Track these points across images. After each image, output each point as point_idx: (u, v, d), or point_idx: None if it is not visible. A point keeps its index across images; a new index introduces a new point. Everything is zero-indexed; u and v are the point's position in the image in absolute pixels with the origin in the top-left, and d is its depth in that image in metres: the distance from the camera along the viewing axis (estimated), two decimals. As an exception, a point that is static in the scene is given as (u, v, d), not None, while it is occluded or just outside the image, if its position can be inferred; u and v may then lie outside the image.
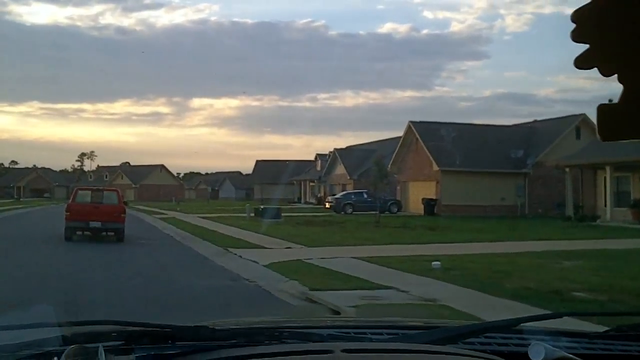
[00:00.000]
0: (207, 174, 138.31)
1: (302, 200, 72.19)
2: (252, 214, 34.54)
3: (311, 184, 71.79)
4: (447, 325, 1.99)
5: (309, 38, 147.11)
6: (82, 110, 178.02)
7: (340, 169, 62.42)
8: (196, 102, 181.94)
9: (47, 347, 1.44)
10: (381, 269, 13.66)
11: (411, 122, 43.97)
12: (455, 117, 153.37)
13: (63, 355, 1.27)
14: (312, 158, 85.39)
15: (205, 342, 1.51)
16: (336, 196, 43.05)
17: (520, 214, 40.04)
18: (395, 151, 46.05)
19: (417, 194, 43.09)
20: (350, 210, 41.66)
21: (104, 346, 1.35)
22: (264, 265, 14.75)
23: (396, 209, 41.91)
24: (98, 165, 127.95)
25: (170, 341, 1.51)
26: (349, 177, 59.37)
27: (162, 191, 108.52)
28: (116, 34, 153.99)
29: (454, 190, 39.92)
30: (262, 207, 33.36)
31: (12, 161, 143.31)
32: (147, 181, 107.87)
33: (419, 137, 42.24)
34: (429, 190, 41.14)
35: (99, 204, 21.42)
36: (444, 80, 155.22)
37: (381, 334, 1.81)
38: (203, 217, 36.59)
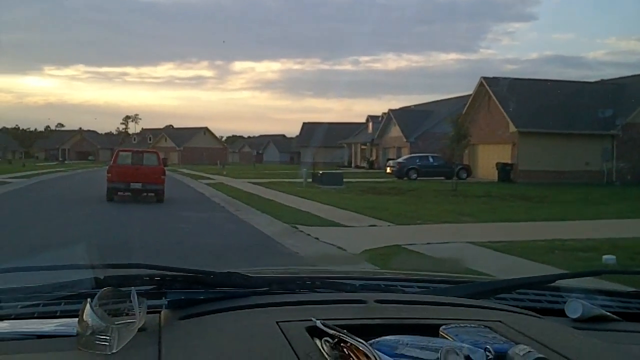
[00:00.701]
0: (249, 137, 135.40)
1: (353, 164, 67.91)
2: (309, 180, 30.47)
3: (362, 147, 67.36)
4: (479, 280, 1.90)
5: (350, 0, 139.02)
6: (126, 74, 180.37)
7: (395, 131, 57.84)
8: (238, 65, 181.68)
9: (81, 289, 1.42)
10: (535, 266, 9.41)
11: (484, 78, 39.05)
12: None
13: (96, 297, 1.24)
14: (358, 120, 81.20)
15: (238, 288, 1.47)
16: (399, 160, 38.66)
17: (607, 180, 35.19)
18: (464, 111, 41.29)
19: (488, 158, 38.42)
20: (414, 176, 37.30)
21: (136, 290, 1.31)
22: (357, 254, 10.70)
23: (465, 175, 37.39)
24: (142, 128, 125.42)
25: (202, 286, 1.47)
26: (405, 140, 54.83)
27: (205, 154, 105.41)
28: None
29: (533, 153, 35.17)
30: (320, 172, 29.24)
31: (59, 124, 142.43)
32: (190, 144, 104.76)
33: (492, 95, 37.39)
34: (502, 154, 36.46)
35: (139, 165, 21.46)
36: (490, 42, 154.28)
37: (412, 287, 1.77)
38: (253, 183, 32.69)
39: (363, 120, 76.82)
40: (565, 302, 1.63)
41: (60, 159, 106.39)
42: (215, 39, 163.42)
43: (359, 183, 31.99)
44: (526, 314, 1.50)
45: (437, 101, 60.84)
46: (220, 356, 1.14)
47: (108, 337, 1.15)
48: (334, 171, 31.55)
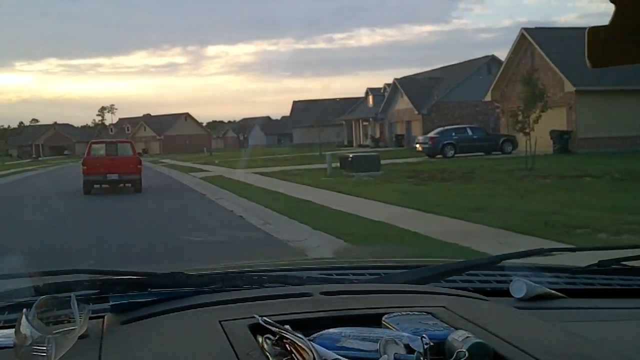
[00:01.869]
0: (230, 122, 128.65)
1: (354, 143, 60.93)
2: (337, 165, 23.51)
3: (364, 123, 60.37)
4: (430, 264, 1.83)
5: None
6: (99, 65, 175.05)
7: (402, 103, 50.91)
8: (211, 50, 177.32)
9: (18, 299, 1.39)
10: None
11: (525, 29, 32.18)
12: (475, 50, 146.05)
13: (33, 306, 1.21)
14: (349, 96, 74.10)
15: (182, 288, 1.44)
16: (431, 135, 31.70)
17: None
18: (499, 72, 34.55)
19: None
20: (451, 153, 30.53)
21: (76, 295, 1.28)
22: None
23: (511, 148, 30.80)
24: (119, 119, 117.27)
25: (145, 288, 1.42)
26: (416, 112, 47.96)
27: (188, 142, 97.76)
28: None
29: (594, 117, 28.60)
30: (350, 156, 22.27)
31: (33, 119, 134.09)
32: (171, 132, 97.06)
33: (538, 48, 30.63)
34: (554, 119, 29.76)
35: (114, 156, 20.91)
36: (462, 12, 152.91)
37: (363, 274, 1.74)
38: (262, 174, 25.72)
39: (354, 95, 70.03)
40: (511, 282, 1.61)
41: (34, 155, 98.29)
42: (187, 24, 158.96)
43: (393, 166, 25.19)
44: (471, 297, 1.47)
45: (446, 67, 53.98)
46: (159, 359, 1.11)
47: (45, 348, 1.10)
48: (367, 153, 24.64)
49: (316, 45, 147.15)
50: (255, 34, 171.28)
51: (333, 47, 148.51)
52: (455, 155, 30.32)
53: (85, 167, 20.59)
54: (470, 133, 31.63)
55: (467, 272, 1.73)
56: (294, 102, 76.97)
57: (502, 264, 1.76)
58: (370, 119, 55.45)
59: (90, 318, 1.27)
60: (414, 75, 55.11)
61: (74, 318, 1.23)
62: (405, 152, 36.17)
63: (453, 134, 31.20)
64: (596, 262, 1.79)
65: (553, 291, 1.61)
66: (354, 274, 1.75)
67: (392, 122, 53.47)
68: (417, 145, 31.69)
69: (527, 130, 21.09)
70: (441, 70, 53.29)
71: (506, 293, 1.58)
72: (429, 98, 48.33)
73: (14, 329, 1.19)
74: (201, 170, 32.29)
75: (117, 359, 1.14)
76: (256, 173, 26.56)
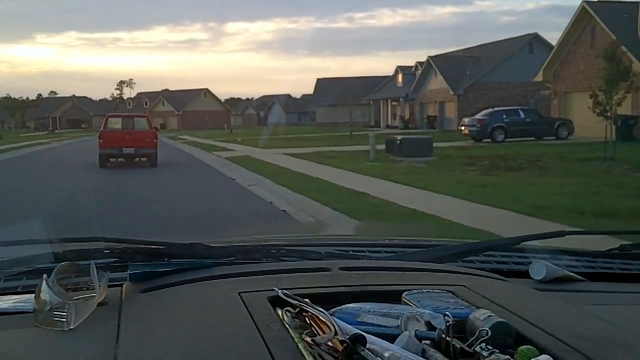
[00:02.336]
0: (248, 99, 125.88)
1: (382, 124, 57.86)
2: (382, 148, 20.66)
3: (393, 103, 57.23)
4: (447, 244, 1.83)
5: None
6: (119, 39, 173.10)
7: (436, 83, 47.75)
8: (231, 26, 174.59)
9: (38, 264, 1.39)
10: None
11: (586, 2, 28.93)
12: (498, 32, 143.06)
13: (53, 272, 1.20)
14: (370, 75, 70.86)
15: (201, 259, 1.42)
16: (478, 116, 28.59)
17: None
18: (553, 50, 31.37)
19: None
20: (501, 137, 27.53)
21: (96, 263, 1.28)
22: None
23: (566, 133, 27.78)
24: (138, 93, 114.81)
25: (164, 258, 1.41)
26: (452, 93, 44.83)
27: (207, 118, 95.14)
28: None
29: (665, 101, 25.49)
30: (399, 138, 19.34)
31: (51, 92, 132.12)
32: (190, 107, 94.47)
33: (602, 23, 27.45)
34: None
35: (130, 130, 20.79)
36: None
37: (379, 252, 1.74)
38: (293, 156, 22.95)
39: (379, 74, 66.87)
40: (530, 264, 1.58)
41: (50, 128, 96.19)
42: (208, 0, 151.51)
43: (441, 150, 22.27)
44: (491, 277, 1.47)
45: (480, 46, 50.65)
46: (180, 328, 1.10)
47: (65, 313, 1.10)
48: (418, 136, 21.72)
49: (337, 24, 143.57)
50: (275, 12, 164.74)
51: (353, 26, 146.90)
52: (506, 139, 27.35)
53: (101, 141, 20.33)
54: (522, 116, 28.50)
55: (484, 253, 1.71)
56: (318, 80, 73.80)
57: (521, 246, 1.73)
58: (400, 99, 52.26)
59: (109, 286, 1.25)
60: (449, 53, 51.79)
61: (93, 285, 1.21)
62: (442, 135, 33.13)
63: (504, 116, 28.09)
64: (617, 246, 1.79)
65: (572, 274, 1.57)
66: (370, 251, 1.74)
67: (424, 102, 50.35)
68: (462, 128, 28.64)
69: (609, 114, 18.10)
70: (478, 48, 49.94)
71: (524, 274, 1.56)
72: (465, 78, 45.15)
73: (33, 294, 1.19)
74: (225, 149, 29.55)
75: (137, 327, 1.12)
76: (287, 154, 23.77)
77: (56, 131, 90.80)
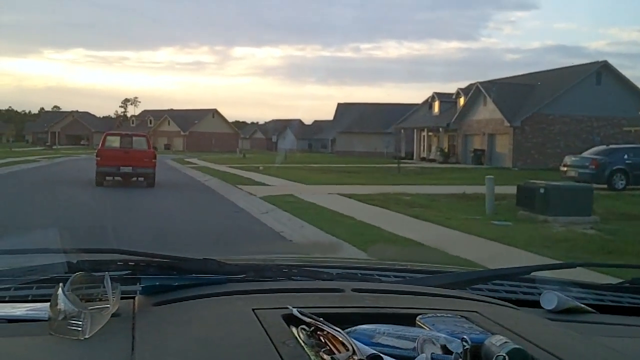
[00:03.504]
0: (253, 123, 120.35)
1: (415, 156, 51.14)
2: (474, 190, 13.78)
3: (429, 133, 50.57)
4: (456, 270, 1.84)
5: None
6: (126, 58, 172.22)
7: (486, 112, 41.11)
8: (238, 51, 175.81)
9: (53, 273, 1.38)
10: None
11: None
12: (502, 69, 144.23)
13: (68, 281, 1.20)
14: (393, 102, 64.33)
15: (213, 275, 1.42)
16: (592, 156, 21.70)
17: None
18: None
19: None
20: (622, 184, 20.77)
21: (110, 275, 1.27)
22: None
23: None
24: (143, 110, 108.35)
25: (177, 272, 1.42)
26: (507, 124, 38.19)
27: (214, 140, 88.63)
28: None
29: None
30: (542, 186, 12.44)
31: (55, 106, 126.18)
32: (197, 128, 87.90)
33: None
34: None
35: (128, 149, 20.33)
36: (491, 31, 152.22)
37: (388, 276, 1.73)
38: (358, 199, 16.00)
39: (403, 102, 60.47)
40: (540, 294, 1.58)
41: (48, 143, 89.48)
42: (216, 23, 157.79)
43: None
44: (502, 305, 1.46)
45: (537, 73, 44.23)
46: (195, 342, 1.09)
47: (80, 322, 1.10)
48: (569, 184, 14.88)
49: (343, 53, 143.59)
50: (282, 38, 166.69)
51: (359, 56, 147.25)
52: (627, 186, 20.58)
53: (99, 159, 19.72)
54: (647, 156, 21.65)
55: (493, 282, 1.70)
56: (339, 105, 67.19)
57: (531, 276, 1.72)
58: (441, 129, 45.59)
59: (121, 298, 1.25)
60: (502, 79, 45.31)
61: (106, 296, 1.21)
62: (507, 174, 26.47)
63: (625, 156, 21.30)
64: (629, 279, 1.78)
65: (583, 305, 1.57)
66: (379, 275, 1.72)
67: (469, 134, 43.69)
68: (565, 169, 21.87)
69: None
70: (535, 75, 43.49)
71: (534, 304, 1.55)
72: (523, 107, 38.59)
73: (45, 303, 1.19)
74: (251, 181, 22.66)
75: (151, 339, 1.11)
76: (345, 195, 16.94)
77: (54, 147, 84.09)
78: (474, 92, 42.17)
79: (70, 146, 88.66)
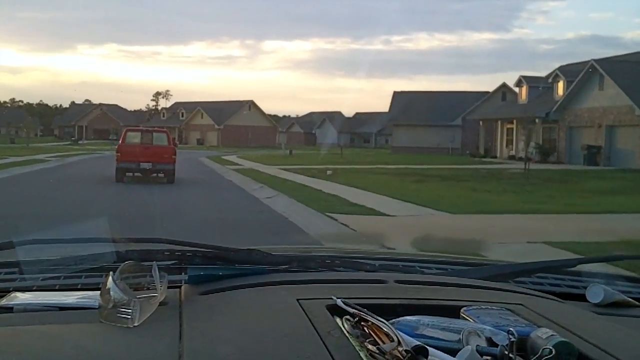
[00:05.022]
0: (284, 116, 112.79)
1: (498, 154, 42.11)
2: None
3: (508, 126, 41.54)
4: (498, 263, 1.79)
5: None
6: (158, 53, 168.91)
7: (603, 98, 31.97)
8: (268, 44, 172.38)
9: (102, 262, 1.38)
10: None
11: None
12: (536, 60, 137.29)
13: (117, 270, 1.20)
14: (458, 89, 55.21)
15: (258, 265, 1.42)
16: None
17: None
18: None
19: None
20: None
21: (157, 264, 1.26)
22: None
23: None
24: (175, 102, 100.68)
25: (222, 262, 1.41)
26: (637, 113, 29.22)
27: (251, 134, 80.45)
28: None
29: None
30: None
31: (86, 100, 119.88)
32: (232, 121, 79.75)
33: None
34: None
35: (148, 144, 19.90)
36: (524, 21, 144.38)
37: (430, 268, 1.69)
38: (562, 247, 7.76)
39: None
40: (585, 287, 1.53)
41: (73, 138, 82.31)
42: (247, 17, 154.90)
43: None
44: (547, 298, 1.43)
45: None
46: (242, 331, 1.10)
47: (130, 310, 1.11)
48: None
49: (373, 46, 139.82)
50: (312, 31, 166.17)
51: (390, 48, 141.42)
52: None
53: (118, 154, 19.43)
54: None
55: (537, 275, 1.66)
56: (395, 93, 58.30)
57: (576, 269, 1.68)
58: (538, 120, 36.53)
59: (167, 287, 1.25)
60: (622, 56, 36.18)
61: (154, 285, 1.21)
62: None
63: None
64: None
65: (630, 299, 1.51)
66: (420, 267, 1.69)
67: (576, 125, 34.58)
68: None
69: None
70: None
71: (580, 297, 1.51)
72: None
73: (95, 291, 1.19)
74: (343, 201, 14.06)
75: (199, 327, 1.11)
76: (557, 245, 8.41)
77: (80, 141, 76.91)
78: (585, 74, 32.98)
79: (98, 140, 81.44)
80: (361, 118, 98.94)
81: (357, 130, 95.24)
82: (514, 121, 39.16)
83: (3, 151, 37.93)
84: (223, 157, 41.00)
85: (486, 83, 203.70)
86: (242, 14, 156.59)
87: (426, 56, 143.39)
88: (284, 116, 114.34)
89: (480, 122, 42.97)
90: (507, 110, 41.11)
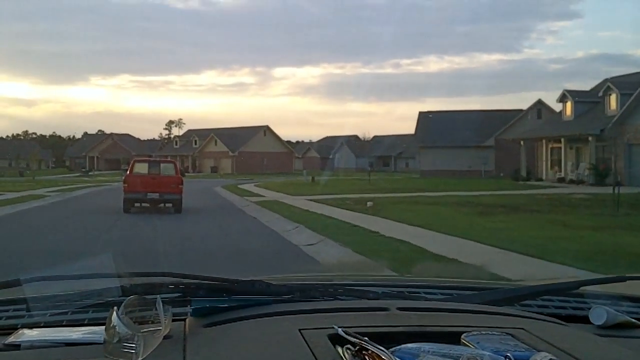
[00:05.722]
0: (298, 142, 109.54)
1: (544, 175, 38.08)
2: None
3: (553, 145, 37.55)
4: (503, 286, 1.79)
5: (391, 2, 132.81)
6: (170, 82, 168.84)
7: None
8: (279, 71, 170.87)
9: (107, 297, 1.38)
10: None
11: None
12: (545, 80, 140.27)
13: (122, 305, 1.21)
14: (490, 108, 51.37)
15: (261, 296, 1.42)
16: None
17: None
18: None
19: None
20: None
21: (161, 297, 1.27)
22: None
23: None
24: (188, 130, 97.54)
25: (225, 294, 1.42)
26: None
27: (266, 160, 76.97)
28: (200, 5, 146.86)
29: None
30: None
31: (99, 130, 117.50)
32: (247, 147, 76.33)
33: None
34: None
35: (155, 175, 19.90)
36: (534, 42, 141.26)
37: (435, 293, 1.68)
38: None
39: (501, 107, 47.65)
40: (589, 309, 1.52)
41: (84, 169, 79.12)
42: (256, 45, 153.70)
43: None
44: (550, 321, 1.41)
45: None
46: None
47: (134, 345, 1.11)
48: None
49: (383, 70, 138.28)
50: (322, 57, 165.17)
51: (399, 72, 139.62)
52: None
53: (126, 185, 19.36)
54: None
55: (542, 297, 1.65)
56: (420, 113, 54.52)
57: (580, 291, 1.66)
58: (590, 138, 32.55)
59: (172, 320, 1.25)
60: (635, 74, 32.38)
61: (158, 319, 1.21)
62: None
63: None
64: None
65: (634, 320, 1.50)
66: (425, 292, 1.68)
67: (637, 142, 30.65)
68: None
69: None
70: None
71: (583, 320, 1.50)
72: None
73: (101, 326, 1.19)
74: (418, 251, 10.34)
75: None
76: None
77: (90, 173, 73.77)
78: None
79: (109, 171, 78.29)
80: (380, 141, 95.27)
81: (376, 153, 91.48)
82: (562, 140, 35.16)
83: (3, 186, 34.51)
84: (240, 186, 37.35)
85: (499, 104, 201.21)
86: (251, 43, 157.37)
87: (436, 78, 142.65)
88: (297, 141, 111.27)
89: (522, 142, 38.94)
90: (551, 128, 37.20)
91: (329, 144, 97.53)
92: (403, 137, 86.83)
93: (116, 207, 19.29)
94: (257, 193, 29.82)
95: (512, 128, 45.96)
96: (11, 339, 1.28)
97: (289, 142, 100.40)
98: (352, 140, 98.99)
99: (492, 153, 48.33)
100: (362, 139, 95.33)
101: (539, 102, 46.96)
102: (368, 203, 19.66)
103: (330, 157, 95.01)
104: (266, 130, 79.78)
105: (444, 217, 15.86)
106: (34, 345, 1.25)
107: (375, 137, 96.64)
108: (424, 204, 20.54)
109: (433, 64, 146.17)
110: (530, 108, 47.31)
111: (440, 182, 37.33)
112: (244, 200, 25.04)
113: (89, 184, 42.02)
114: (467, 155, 49.14)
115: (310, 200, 23.51)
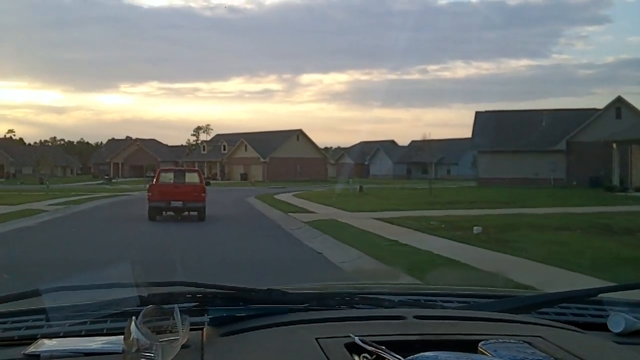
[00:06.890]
0: (325, 148, 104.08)
1: (626, 183, 31.55)
2: None
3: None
4: (520, 294, 1.77)
5: (417, 8, 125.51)
6: (198, 89, 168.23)
7: None
8: (306, 78, 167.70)
9: (126, 307, 1.38)
10: None
11: None
12: (574, 85, 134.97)
13: (140, 314, 1.21)
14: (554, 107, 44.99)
15: (277, 305, 1.42)
16: None
17: None
18: None
19: None
20: None
21: (179, 307, 1.27)
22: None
23: None
24: (216, 134, 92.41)
25: (242, 303, 1.42)
26: None
27: (300, 167, 71.31)
28: (228, 13, 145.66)
29: None
30: None
31: (127, 136, 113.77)
32: (278, 153, 70.71)
33: None
34: None
35: (180, 183, 20.48)
36: (562, 47, 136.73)
37: (452, 302, 1.66)
38: None
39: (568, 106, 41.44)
40: (608, 316, 1.50)
41: (106, 176, 74.25)
42: (283, 52, 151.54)
43: None
44: (567, 329, 1.39)
45: None
46: None
47: (153, 354, 1.11)
48: None
49: (410, 76, 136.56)
50: (349, 63, 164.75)
51: (426, 78, 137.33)
52: None
53: (150, 194, 19.64)
54: None
55: (559, 305, 1.62)
56: (477, 113, 48.28)
57: (598, 298, 1.64)
58: None
59: (190, 329, 1.25)
60: None
61: (176, 328, 1.21)
62: None
63: None
64: None
65: None
66: (442, 301, 1.66)
67: None
68: None
69: None
70: None
71: (602, 327, 1.48)
72: None
73: (120, 336, 1.19)
74: None
75: None
76: None
77: (113, 180, 68.91)
78: None
79: (133, 178, 73.41)
80: (418, 146, 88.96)
81: (414, 159, 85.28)
82: (626, 145, 28.70)
83: (5, 197, 29.19)
84: (277, 197, 31.61)
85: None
86: (278, 50, 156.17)
87: (464, 85, 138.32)
88: (327, 147, 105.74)
89: (614, 145, 32.49)
90: (631, 130, 30.73)
91: (364, 149, 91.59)
92: (444, 142, 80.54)
93: (125, 230, 13.61)
94: (302, 207, 23.98)
95: (587, 130, 39.57)
96: (31, 349, 1.26)
97: (320, 146, 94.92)
98: (388, 146, 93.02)
99: (561, 158, 41.93)
100: (398, 145, 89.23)
101: (619, 100, 40.49)
102: (475, 229, 13.70)
103: (366, 163, 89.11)
104: (299, 134, 74.09)
105: (611, 253, 9.93)
106: (53, 356, 1.24)
107: (412, 142, 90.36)
108: (547, 229, 14.54)
109: (460, 69, 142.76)
110: (608, 107, 40.85)
111: (512, 192, 31.12)
112: (290, 220, 19.17)
113: (105, 194, 36.78)
114: (532, 161, 42.82)
115: (379, 219, 17.64)
